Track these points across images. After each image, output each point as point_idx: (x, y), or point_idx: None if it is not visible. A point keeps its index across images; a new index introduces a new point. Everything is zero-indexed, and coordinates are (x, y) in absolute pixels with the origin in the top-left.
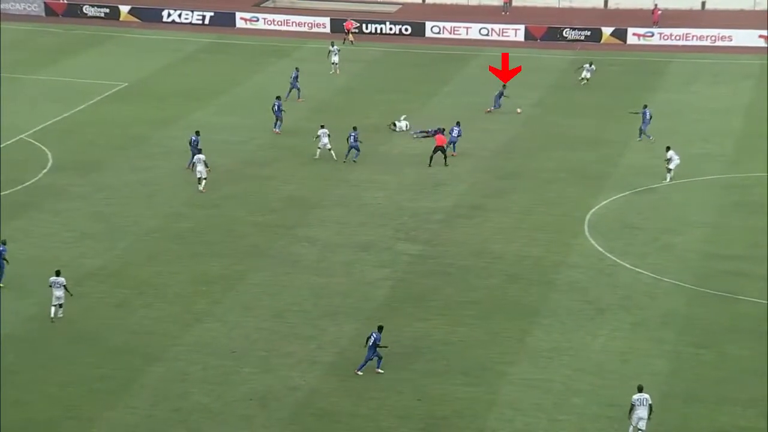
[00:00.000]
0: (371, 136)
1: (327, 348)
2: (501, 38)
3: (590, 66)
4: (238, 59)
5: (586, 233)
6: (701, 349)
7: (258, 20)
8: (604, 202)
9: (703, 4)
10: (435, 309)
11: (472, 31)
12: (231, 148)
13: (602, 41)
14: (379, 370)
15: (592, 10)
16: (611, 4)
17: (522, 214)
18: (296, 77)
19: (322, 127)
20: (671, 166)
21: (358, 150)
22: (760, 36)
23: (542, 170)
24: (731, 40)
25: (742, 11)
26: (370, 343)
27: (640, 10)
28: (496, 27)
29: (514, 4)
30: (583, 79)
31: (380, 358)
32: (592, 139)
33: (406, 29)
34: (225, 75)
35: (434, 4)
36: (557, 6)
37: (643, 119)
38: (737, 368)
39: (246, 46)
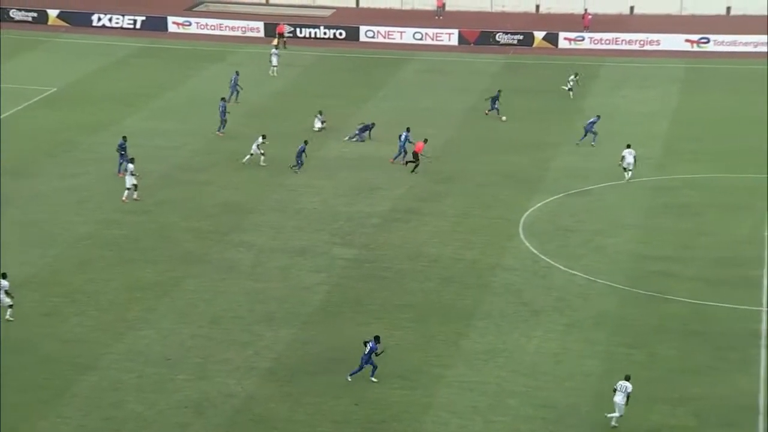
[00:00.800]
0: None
1: (263, 354)
2: (435, 42)
3: (575, 77)
4: (170, 64)
5: (521, 236)
6: (632, 350)
7: (191, 24)
8: (538, 204)
9: (632, 8)
10: (371, 313)
11: (406, 35)
12: (164, 153)
13: (534, 45)
14: (373, 379)
15: (524, 15)
16: (543, 9)
17: (457, 218)
18: (236, 80)
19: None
20: (624, 164)
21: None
22: (687, 40)
23: (477, 174)
24: (659, 44)
25: (669, 16)
26: (366, 351)
27: (571, 15)
28: (430, 31)
29: (447, 8)
30: (570, 90)
31: (375, 367)
32: (526, 143)
33: (341, 33)
34: (157, 80)
35: (368, 9)
36: (490, 10)
37: (590, 123)
38: (667, 368)
39: (179, 51)
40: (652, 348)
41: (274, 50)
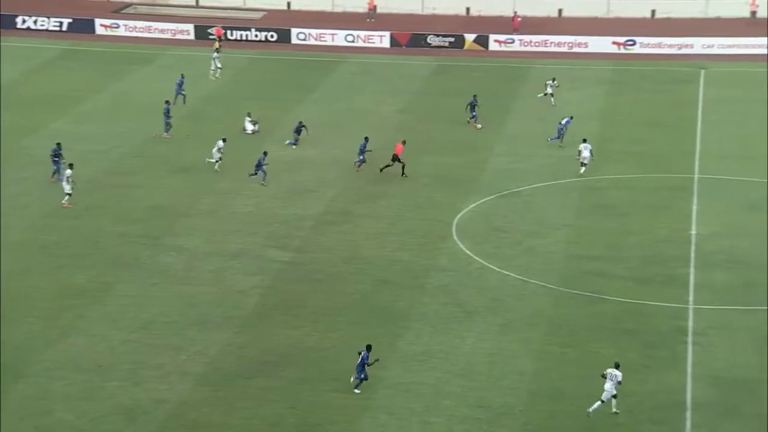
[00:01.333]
0: (240, 145)
1: (196, 358)
2: (367, 44)
3: (553, 82)
4: (98, 66)
5: (455, 237)
6: (566, 348)
7: (118, 27)
8: (472, 206)
9: (560, 11)
10: (306, 316)
11: (338, 37)
12: (93, 157)
13: (465, 47)
14: (356, 391)
15: (455, 17)
16: (473, 11)
17: (392, 219)
18: (181, 83)
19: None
20: (581, 158)
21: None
22: (614, 42)
23: (412, 175)
24: (587, 47)
25: (596, 18)
26: (359, 362)
27: (501, 17)
28: (362, 33)
29: (378, 10)
30: (547, 95)
31: (363, 379)
32: (459, 145)
33: (272, 36)
34: (85, 83)
35: (299, 11)
36: (421, 13)
37: (562, 125)
38: (600, 365)
39: (106, 53)
40: (585, 346)
41: (215, 54)
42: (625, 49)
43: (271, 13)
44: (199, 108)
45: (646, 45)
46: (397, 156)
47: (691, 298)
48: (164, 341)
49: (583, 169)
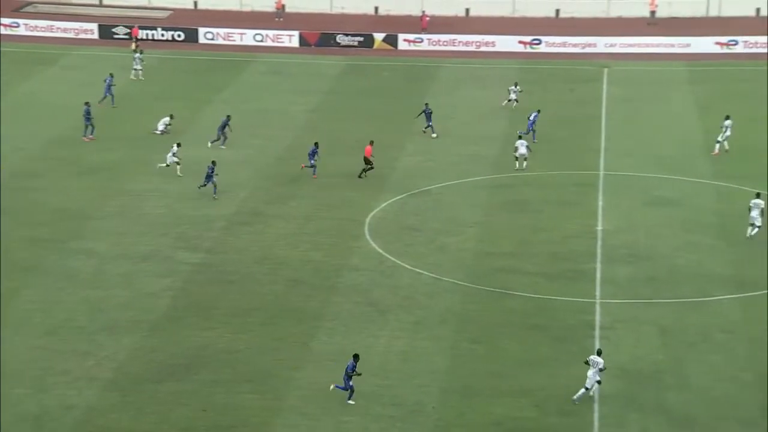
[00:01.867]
0: (151, 146)
1: (105, 364)
2: (276, 44)
3: (516, 87)
4: None
5: (367, 236)
6: (477, 345)
7: (19, 26)
8: (383, 204)
9: (467, 11)
10: (218, 317)
11: (247, 37)
12: None
13: (375, 47)
14: (350, 402)
15: (364, 17)
16: (382, 11)
17: (303, 219)
18: (110, 84)
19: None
20: (517, 154)
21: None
22: (520, 42)
23: (322, 175)
24: (494, 46)
25: (502, 18)
26: (346, 372)
27: (410, 17)
28: (271, 33)
29: (287, 10)
30: (511, 101)
31: (352, 390)
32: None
33: (179, 35)
34: None
35: (206, 10)
36: (330, 12)
37: (531, 120)
38: (510, 361)
39: (6, 54)
40: (496, 342)
41: (137, 54)
42: (531, 48)
43: (178, 12)
44: (106, 108)
45: (551, 44)
46: (367, 157)
47: (597, 293)
48: (72, 347)
49: (518, 164)
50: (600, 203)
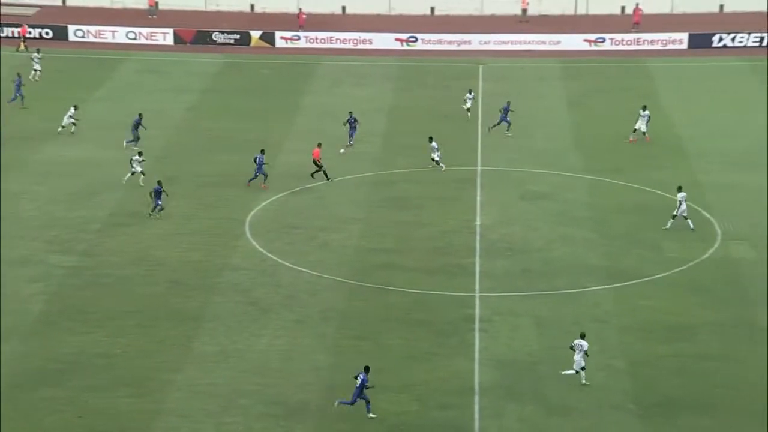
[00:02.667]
0: (19, 144)
1: None
2: (150, 42)
3: (470, 94)
4: None
5: (247, 235)
6: (360, 341)
7: None
8: (263, 203)
9: (344, 8)
10: (94, 321)
11: (119, 35)
12: None
13: (252, 44)
14: (371, 415)
15: (240, 14)
16: (258, 8)
17: (182, 219)
18: (19, 84)
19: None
20: (435, 156)
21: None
22: (397, 39)
23: (200, 174)
24: (371, 43)
25: (379, 15)
26: (357, 384)
27: (286, 14)
28: (144, 31)
29: (160, 7)
30: (468, 109)
31: (368, 402)
32: (248, 142)
33: (47, 33)
34: None
35: (76, 7)
36: (204, 9)
37: (505, 112)
38: (392, 356)
39: None
40: (379, 338)
41: (35, 55)
42: (408, 45)
43: (45, 9)
44: (13, 108)
45: (427, 41)
46: (316, 160)
47: (477, 287)
48: None
49: (440, 165)
50: (478, 198)
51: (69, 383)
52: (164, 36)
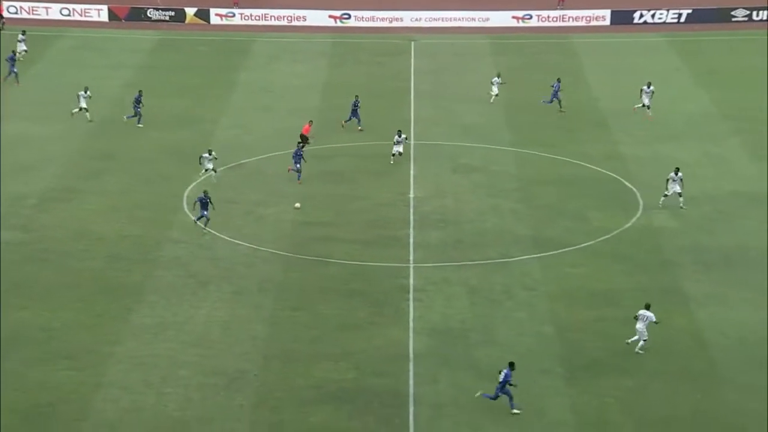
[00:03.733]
0: None
1: None
2: (84, 18)
3: (498, 78)
4: None
5: (185, 209)
6: (297, 311)
7: None
8: (201, 178)
9: None
10: (34, 296)
11: (53, 11)
12: None
13: (186, 21)
14: (515, 411)
15: None
16: None
17: (120, 194)
18: (13, 59)
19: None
20: (398, 149)
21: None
22: (330, 16)
23: (137, 150)
24: (305, 20)
25: None
26: (501, 379)
27: None
28: (78, 7)
29: None
30: (493, 95)
31: (511, 398)
32: (185, 118)
33: None
34: None
35: None
36: None
37: (555, 91)
38: (329, 326)
39: None
40: (316, 308)
41: (20, 36)
42: (341, 22)
43: None
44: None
45: (360, 18)
46: (304, 135)
47: (411, 258)
48: None
49: (393, 157)
50: (412, 172)
51: (9, 356)
52: (98, 12)
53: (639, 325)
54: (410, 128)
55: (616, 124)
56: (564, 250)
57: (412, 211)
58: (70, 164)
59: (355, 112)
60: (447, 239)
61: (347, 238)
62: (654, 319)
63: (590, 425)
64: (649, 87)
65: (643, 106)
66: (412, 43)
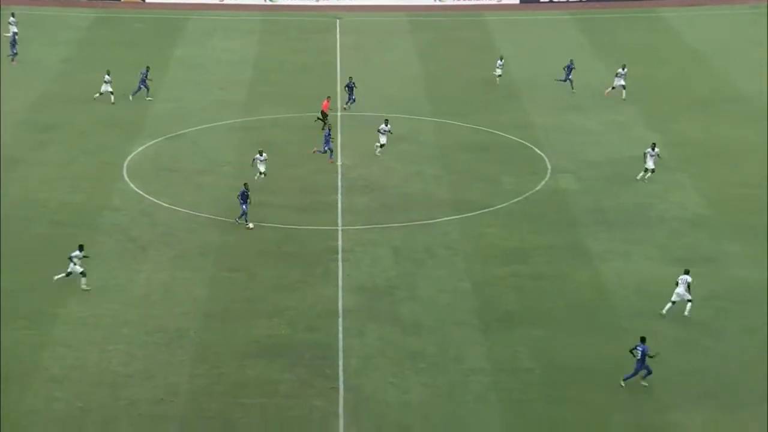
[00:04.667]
0: None
1: None
2: None
3: (501, 61)
4: None
5: (126, 178)
6: (235, 273)
7: None
8: (140, 148)
9: None
10: None
11: None
12: None
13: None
14: (644, 383)
15: None
16: None
17: (63, 164)
18: (14, 41)
19: None
20: (382, 141)
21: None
22: None
23: (78, 122)
24: None
25: None
26: (638, 357)
27: None
28: None
29: None
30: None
31: (649, 371)
32: (122, 92)
33: None
34: None
35: None
36: None
37: (568, 71)
38: (265, 286)
39: None
40: (252, 270)
41: (11, 19)
42: (270, 1)
43: None
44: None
45: None
46: (324, 112)
47: (339, 221)
48: None
49: (378, 149)
50: (339, 140)
51: None
52: None
53: (680, 289)
54: (336, 101)
55: (526, 95)
56: (480, 211)
57: (340, 177)
58: (13, 136)
59: (351, 91)
60: (373, 204)
61: (280, 203)
62: (689, 281)
63: (503, 371)
64: (623, 69)
65: (614, 88)
66: (338, 20)
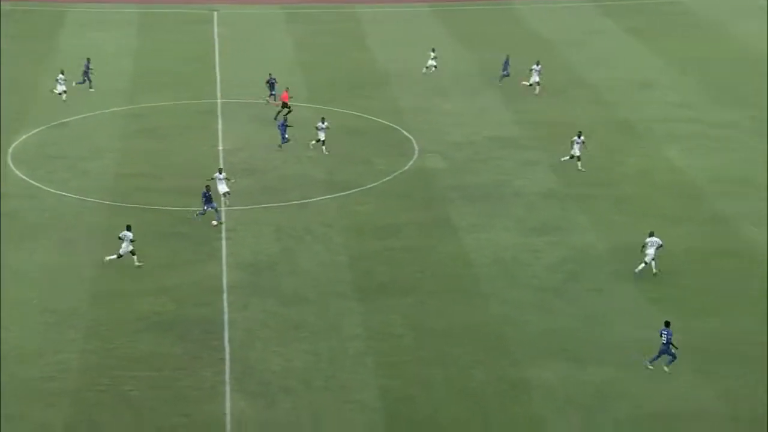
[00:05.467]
0: None
1: None
2: None
3: (537, 66)
4: None
5: (11, 165)
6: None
7: None
8: (24, 136)
9: None
10: None
11: None
12: None
13: None
14: (666, 369)
15: None
16: None
17: None
18: None
19: None
20: (319, 138)
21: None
22: None
23: None
24: None
25: None
26: (664, 341)
27: None
28: None
29: None
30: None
31: (673, 357)
32: (6, 83)
33: None
34: None
35: None
36: None
37: (504, 67)
38: (154, 265)
39: None
40: (139, 251)
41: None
42: None
43: None
44: None
45: None
46: (285, 102)
47: (223, 202)
48: None
49: (314, 143)
50: (220, 127)
51: None
52: None
53: (650, 251)
54: (216, 89)
55: (394, 82)
56: (354, 191)
57: (221, 161)
58: None
59: (272, 87)
60: (254, 185)
61: (165, 187)
62: (661, 243)
63: (378, 337)
64: (538, 65)
65: (531, 84)
66: (215, 13)
